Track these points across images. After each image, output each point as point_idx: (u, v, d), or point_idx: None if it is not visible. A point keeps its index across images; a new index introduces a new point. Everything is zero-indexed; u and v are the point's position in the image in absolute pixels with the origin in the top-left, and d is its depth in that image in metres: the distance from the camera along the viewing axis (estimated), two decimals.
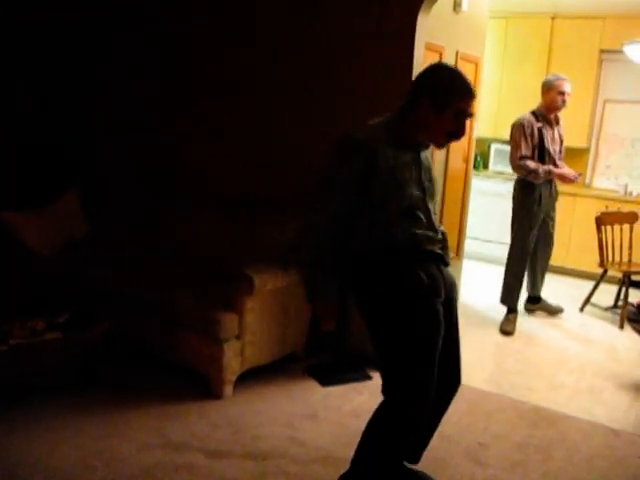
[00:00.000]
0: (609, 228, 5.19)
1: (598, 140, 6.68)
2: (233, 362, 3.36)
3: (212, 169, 4.50)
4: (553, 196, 4.85)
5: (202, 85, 4.54)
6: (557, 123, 4.79)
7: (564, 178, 4.71)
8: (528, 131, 4.60)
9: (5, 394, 3.09)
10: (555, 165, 4.72)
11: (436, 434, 2.64)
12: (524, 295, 5.09)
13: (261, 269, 3.40)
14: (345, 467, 2.49)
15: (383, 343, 2.30)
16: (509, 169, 6.72)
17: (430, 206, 2.34)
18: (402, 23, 3.64)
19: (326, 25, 3.93)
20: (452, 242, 4.97)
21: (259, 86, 4.25)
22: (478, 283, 5.90)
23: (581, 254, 6.16)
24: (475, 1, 4.87)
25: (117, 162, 5.02)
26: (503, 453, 3.02)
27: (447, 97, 2.19)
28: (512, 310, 4.86)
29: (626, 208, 5.59)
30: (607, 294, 5.40)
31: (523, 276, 4.87)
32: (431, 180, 2.37)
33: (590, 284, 5.42)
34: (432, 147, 2.42)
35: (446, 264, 2.40)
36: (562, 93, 4.59)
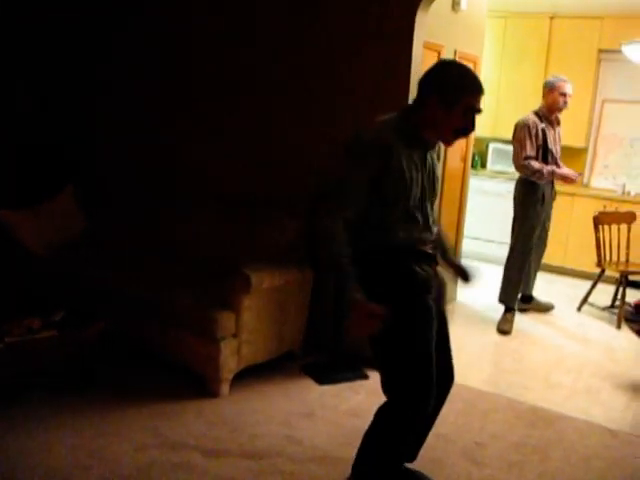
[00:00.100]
0: (607, 228, 5.20)
1: (596, 140, 6.68)
2: (230, 360, 3.35)
3: (212, 169, 4.49)
4: (553, 196, 4.90)
5: (202, 85, 4.53)
6: (558, 124, 4.82)
7: (566, 179, 4.75)
8: (533, 131, 4.63)
9: (2, 393, 3.08)
10: (557, 165, 4.77)
11: (433, 434, 2.64)
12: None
13: (258, 267, 3.39)
14: (341, 466, 2.50)
15: (384, 342, 2.30)
16: (508, 168, 6.78)
17: (428, 207, 2.34)
18: (401, 22, 3.64)
19: (326, 25, 3.93)
20: (450, 242, 4.96)
21: (259, 86, 4.24)
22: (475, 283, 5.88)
23: (579, 254, 6.17)
24: (474, 0, 4.87)
25: (117, 162, 5.01)
26: (500, 453, 3.02)
27: (456, 93, 2.17)
28: (510, 309, 4.86)
29: (624, 208, 5.60)
30: (605, 294, 5.41)
31: (523, 276, 4.88)
32: (433, 181, 2.35)
33: (588, 284, 5.43)
34: (439, 145, 2.41)
35: (437, 263, 2.42)
36: (564, 94, 4.63)
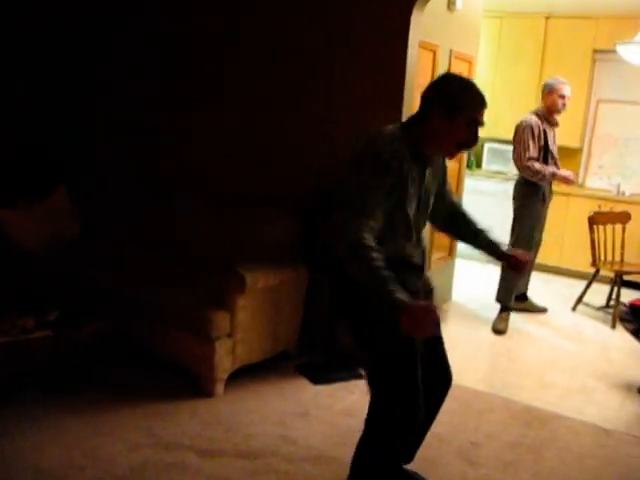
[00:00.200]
0: (602, 228, 5.21)
1: (591, 140, 6.70)
2: (224, 360, 3.35)
3: (212, 169, 4.48)
4: (550, 196, 4.92)
5: (202, 85, 4.52)
6: (556, 125, 4.84)
7: (566, 180, 4.77)
8: (536, 132, 4.65)
9: None
10: (557, 166, 4.79)
11: (428, 434, 2.64)
12: None
13: (253, 267, 3.39)
14: (336, 466, 2.49)
15: (369, 346, 2.30)
16: (503, 168, 6.79)
17: (420, 223, 2.34)
18: (396, 22, 3.64)
19: (325, 25, 3.94)
20: (445, 242, 4.97)
21: (259, 86, 4.24)
22: (470, 282, 5.90)
23: (574, 254, 6.18)
24: (469, 0, 4.87)
25: (117, 162, 4.99)
26: (495, 453, 3.02)
27: (459, 106, 2.16)
28: (506, 309, 4.86)
29: (619, 208, 5.61)
30: (599, 294, 5.42)
31: (521, 275, 4.88)
32: (427, 198, 2.34)
33: (583, 284, 5.43)
34: (441, 158, 2.40)
35: (424, 273, 2.43)
36: (563, 97, 4.66)
